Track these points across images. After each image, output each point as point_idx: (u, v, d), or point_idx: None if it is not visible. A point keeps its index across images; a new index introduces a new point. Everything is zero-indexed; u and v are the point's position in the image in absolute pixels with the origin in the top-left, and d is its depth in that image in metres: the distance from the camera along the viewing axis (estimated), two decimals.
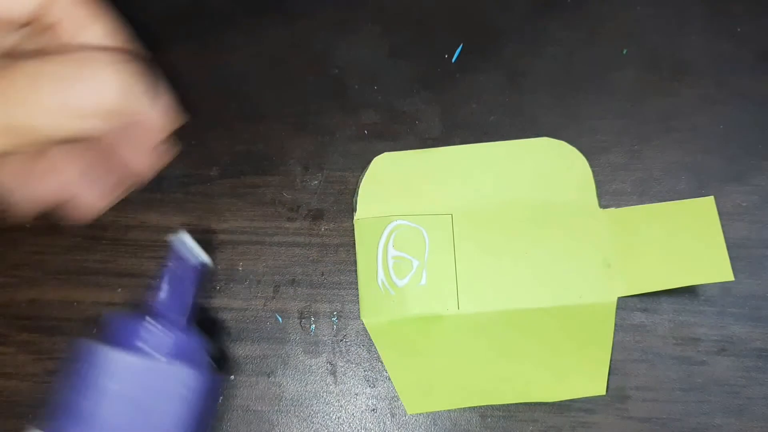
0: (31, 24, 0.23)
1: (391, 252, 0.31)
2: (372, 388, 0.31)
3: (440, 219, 0.31)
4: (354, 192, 0.32)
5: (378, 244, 0.31)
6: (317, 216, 0.32)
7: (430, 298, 0.30)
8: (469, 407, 0.30)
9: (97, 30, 0.24)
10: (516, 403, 0.30)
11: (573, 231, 0.31)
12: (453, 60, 0.34)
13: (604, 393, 0.30)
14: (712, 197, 0.30)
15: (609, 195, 0.32)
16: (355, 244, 0.32)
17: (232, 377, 0.31)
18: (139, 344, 0.27)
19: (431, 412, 0.30)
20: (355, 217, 0.32)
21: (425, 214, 0.31)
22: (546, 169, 0.32)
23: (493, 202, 0.31)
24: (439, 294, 0.31)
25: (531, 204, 0.31)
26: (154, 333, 0.27)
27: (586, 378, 0.30)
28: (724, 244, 0.30)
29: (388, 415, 0.31)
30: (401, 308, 0.30)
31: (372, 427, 0.31)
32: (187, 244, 0.29)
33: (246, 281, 0.32)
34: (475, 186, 0.32)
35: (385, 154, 0.32)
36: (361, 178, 0.32)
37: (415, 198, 0.32)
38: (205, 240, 0.32)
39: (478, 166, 0.32)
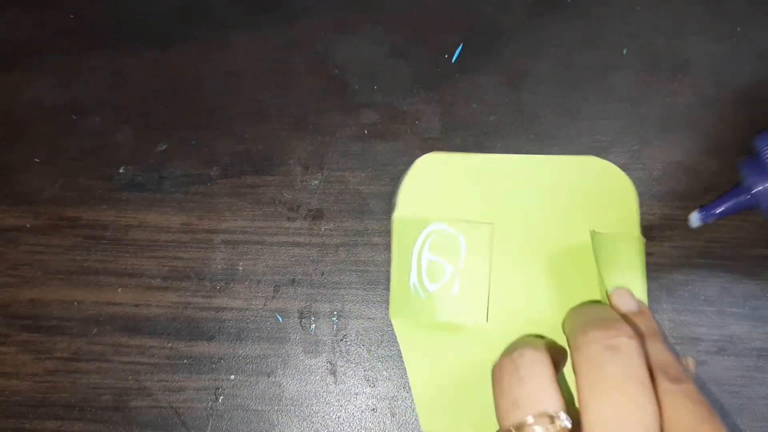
0: None
1: (426, 255, 0.30)
2: (372, 387, 0.31)
3: (480, 227, 0.30)
4: (393, 191, 0.32)
5: (414, 246, 0.31)
6: (317, 216, 0.32)
7: (459, 307, 0.30)
8: None
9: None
10: None
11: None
12: (453, 60, 0.34)
13: None
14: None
15: None
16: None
17: (233, 377, 0.31)
18: None
19: None
20: (393, 215, 0.31)
21: (465, 220, 0.31)
22: (589, 189, 0.31)
23: (535, 217, 0.31)
24: (470, 304, 0.30)
25: (572, 224, 0.30)
26: None
27: None
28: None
29: (388, 414, 0.31)
30: (430, 313, 0.30)
31: (372, 426, 0.31)
32: None
33: (246, 281, 0.32)
34: (518, 198, 0.31)
35: (431, 154, 0.32)
36: (404, 176, 0.32)
37: (456, 203, 0.31)
38: (205, 240, 0.32)
39: (523, 178, 0.31)
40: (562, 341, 0.29)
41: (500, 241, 0.31)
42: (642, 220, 0.31)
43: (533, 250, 0.31)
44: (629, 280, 0.30)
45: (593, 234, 0.30)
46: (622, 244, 0.30)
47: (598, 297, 0.30)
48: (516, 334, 0.30)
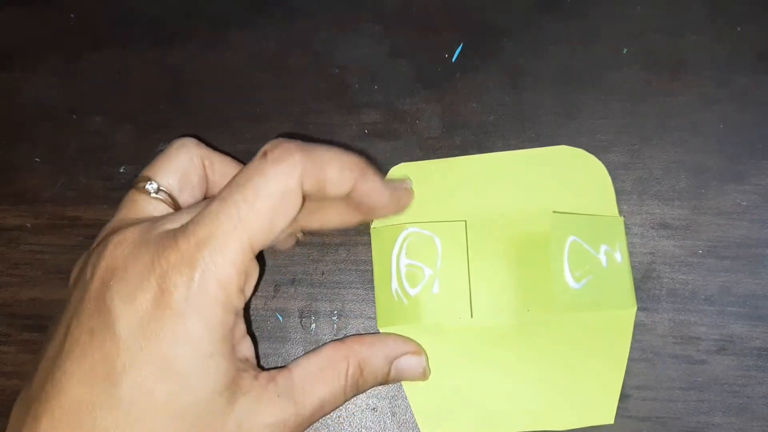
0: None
1: (404, 260, 0.31)
2: None
3: (453, 226, 0.31)
4: None
5: (392, 252, 0.31)
6: None
7: (442, 307, 0.30)
8: None
9: None
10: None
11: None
12: (453, 59, 0.34)
13: (612, 422, 0.29)
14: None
15: None
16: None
17: None
18: None
19: None
20: (371, 226, 0.32)
21: (438, 221, 0.31)
22: (564, 178, 0.31)
23: (509, 210, 0.31)
24: (452, 303, 0.30)
25: (548, 213, 0.30)
26: None
27: (596, 404, 0.29)
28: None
29: (389, 414, 0.31)
30: (415, 317, 0.30)
31: (372, 426, 0.31)
32: None
33: None
34: (491, 194, 0.31)
35: (402, 164, 0.32)
36: None
37: (430, 206, 0.31)
38: None
39: (495, 175, 0.32)
40: (548, 334, 0.30)
41: (476, 236, 0.31)
42: (642, 218, 0.31)
43: (510, 241, 0.31)
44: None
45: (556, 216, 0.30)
46: (602, 225, 0.30)
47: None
48: (502, 326, 0.30)
